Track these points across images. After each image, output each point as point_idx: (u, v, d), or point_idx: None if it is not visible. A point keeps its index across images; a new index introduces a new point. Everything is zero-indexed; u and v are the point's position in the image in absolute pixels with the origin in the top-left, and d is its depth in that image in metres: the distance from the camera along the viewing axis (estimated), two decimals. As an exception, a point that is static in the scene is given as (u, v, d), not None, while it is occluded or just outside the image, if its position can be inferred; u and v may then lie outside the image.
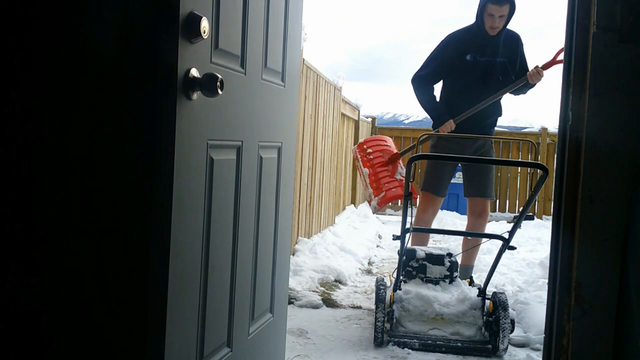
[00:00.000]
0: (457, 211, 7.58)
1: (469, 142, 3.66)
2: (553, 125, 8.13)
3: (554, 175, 1.73)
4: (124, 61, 1.23)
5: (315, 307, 3.24)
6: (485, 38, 3.43)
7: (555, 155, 1.73)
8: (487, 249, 4.57)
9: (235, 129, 1.52)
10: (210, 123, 1.36)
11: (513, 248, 2.63)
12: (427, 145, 3.85)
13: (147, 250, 1.22)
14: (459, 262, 3.31)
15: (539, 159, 7.90)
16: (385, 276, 3.15)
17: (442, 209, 7.66)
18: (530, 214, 2.55)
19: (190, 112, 1.26)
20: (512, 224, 2.55)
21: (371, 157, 3.62)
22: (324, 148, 5.18)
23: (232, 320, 1.57)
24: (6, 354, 1.28)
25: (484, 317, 2.73)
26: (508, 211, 8.27)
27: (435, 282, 2.94)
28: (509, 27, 3.46)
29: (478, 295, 2.83)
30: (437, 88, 3.69)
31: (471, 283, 3.23)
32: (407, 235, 2.67)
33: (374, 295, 3.07)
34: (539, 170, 2.21)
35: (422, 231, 2.82)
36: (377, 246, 5.44)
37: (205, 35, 1.24)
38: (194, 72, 1.24)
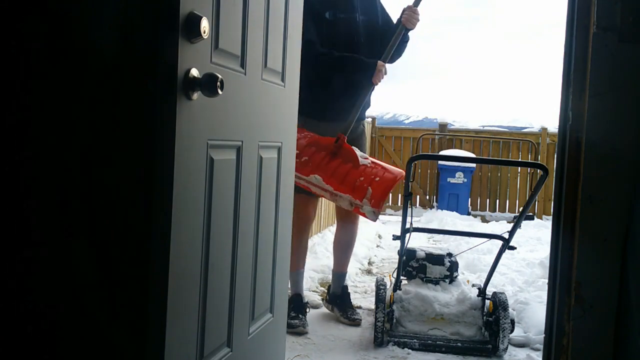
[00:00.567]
0: (457, 211, 7.58)
1: (339, 123, 2.92)
2: (553, 125, 8.13)
3: (554, 175, 1.73)
4: (124, 61, 1.23)
5: (315, 307, 3.24)
6: None
7: (555, 155, 1.73)
8: (487, 249, 4.56)
9: (235, 129, 1.52)
10: (210, 123, 1.36)
11: (513, 248, 2.63)
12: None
13: (147, 250, 1.22)
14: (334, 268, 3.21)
15: (539, 159, 7.90)
16: (385, 276, 3.15)
17: (442, 209, 7.67)
18: (530, 214, 2.54)
19: (190, 112, 1.26)
20: (512, 224, 2.55)
21: (305, 158, 2.78)
22: (324, 148, 5.17)
23: (232, 320, 1.57)
24: (6, 355, 1.28)
25: (484, 317, 2.73)
26: (508, 211, 8.27)
27: (435, 282, 2.94)
28: None
29: (478, 295, 2.83)
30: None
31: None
32: (407, 235, 2.67)
33: (374, 295, 3.07)
34: (539, 170, 2.21)
35: (422, 231, 2.82)
36: (377, 246, 5.44)
37: (205, 35, 1.24)
38: (194, 72, 1.24)
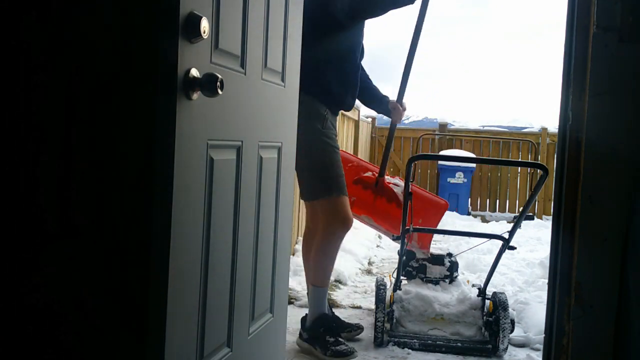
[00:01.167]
0: (457, 211, 7.58)
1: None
2: (553, 125, 8.14)
3: (554, 176, 1.73)
4: (124, 61, 1.23)
5: (315, 307, 3.24)
6: None
7: (555, 155, 1.73)
8: (487, 249, 4.57)
9: (235, 129, 1.52)
10: (210, 123, 1.36)
11: (513, 248, 2.63)
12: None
13: (147, 250, 1.22)
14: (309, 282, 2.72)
15: (539, 159, 7.91)
16: (385, 276, 3.15)
17: (442, 209, 7.67)
18: (530, 214, 2.55)
19: (190, 112, 1.26)
20: (512, 224, 2.55)
21: (353, 198, 2.83)
22: (324, 148, 5.17)
23: (232, 320, 1.57)
24: (6, 355, 1.28)
25: (484, 317, 2.73)
26: (508, 211, 8.27)
27: (435, 282, 2.95)
28: None
29: (478, 295, 2.83)
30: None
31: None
32: (407, 235, 2.67)
33: (374, 295, 3.07)
34: (539, 170, 2.21)
35: (423, 231, 2.82)
36: (377, 246, 5.44)
37: (205, 35, 1.24)
38: (194, 72, 1.24)
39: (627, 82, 1.56)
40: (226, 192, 1.50)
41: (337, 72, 2.59)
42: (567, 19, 1.65)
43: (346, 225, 2.57)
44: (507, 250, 2.64)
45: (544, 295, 3.10)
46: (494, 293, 2.77)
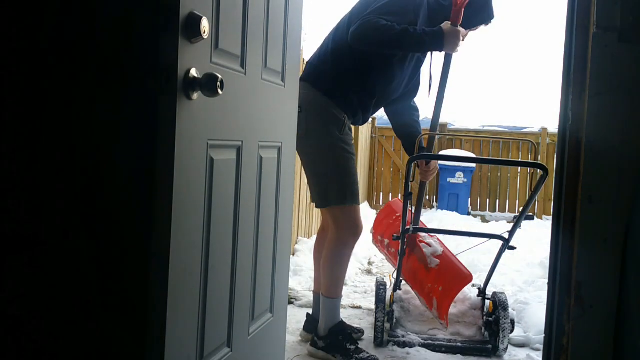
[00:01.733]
0: (457, 211, 7.58)
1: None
2: (553, 125, 8.14)
3: (554, 176, 1.73)
4: (124, 61, 1.23)
5: (316, 307, 3.24)
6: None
7: (555, 155, 1.72)
8: (487, 249, 4.56)
9: (235, 129, 1.52)
10: (210, 123, 1.36)
11: (513, 248, 2.63)
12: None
13: (147, 250, 1.22)
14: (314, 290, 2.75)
15: (539, 159, 7.91)
16: (385, 276, 3.15)
17: (442, 209, 7.68)
18: (530, 214, 2.54)
19: (190, 112, 1.26)
20: (512, 224, 2.55)
21: (392, 249, 2.79)
22: (324, 148, 5.17)
23: (232, 320, 1.57)
24: (6, 355, 1.28)
25: (484, 317, 2.73)
26: (508, 211, 8.28)
27: (435, 282, 2.94)
28: None
29: (478, 295, 2.83)
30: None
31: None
32: (407, 235, 2.67)
33: (374, 295, 3.06)
34: (539, 170, 2.21)
35: (422, 231, 2.82)
36: (377, 246, 5.44)
37: (205, 35, 1.24)
38: (194, 72, 1.24)
39: (627, 82, 1.56)
40: (226, 192, 1.50)
41: (360, 89, 2.51)
42: (567, 19, 1.65)
43: (357, 235, 2.53)
44: (507, 250, 2.64)
45: (544, 295, 3.10)
46: (494, 293, 2.77)
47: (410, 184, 2.44)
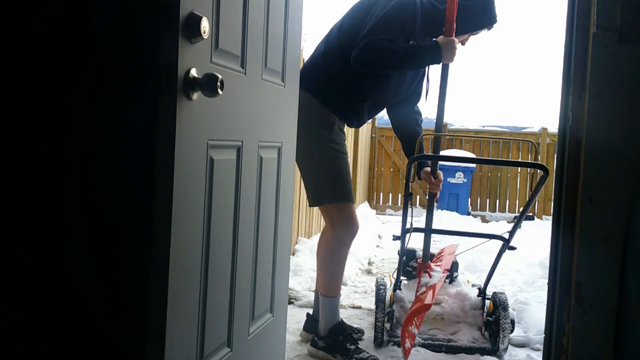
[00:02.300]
0: (457, 211, 7.58)
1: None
2: (553, 125, 8.14)
3: (554, 176, 1.73)
4: (124, 61, 1.23)
5: (316, 307, 3.24)
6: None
7: (555, 155, 1.72)
8: (487, 249, 4.56)
9: (235, 129, 1.52)
10: (210, 123, 1.36)
11: (513, 248, 2.63)
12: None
13: (147, 250, 1.22)
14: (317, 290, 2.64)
15: (539, 159, 7.91)
16: (385, 276, 3.15)
17: (442, 209, 7.68)
18: (531, 214, 2.54)
19: (190, 112, 1.26)
20: (512, 224, 2.55)
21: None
22: (324, 148, 5.17)
23: (232, 320, 1.57)
24: (4, 356, 1.28)
25: (484, 317, 2.73)
26: (508, 211, 8.28)
27: (435, 282, 2.94)
28: None
29: (478, 295, 2.83)
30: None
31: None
32: (407, 235, 2.67)
33: (374, 295, 3.06)
34: (539, 171, 2.21)
35: (423, 231, 2.82)
36: (377, 246, 5.45)
37: (205, 35, 1.24)
38: (194, 72, 1.24)
39: (627, 82, 1.56)
40: (226, 192, 1.50)
41: (351, 92, 2.51)
42: (567, 19, 1.65)
43: (351, 232, 2.53)
44: (507, 251, 2.64)
45: (544, 295, 3.10)
46: (494, 293, 2.77)
47: (410, 184, 2.44)
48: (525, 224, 2.90)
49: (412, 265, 2.97)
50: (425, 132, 2.69)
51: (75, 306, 1.26)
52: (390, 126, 2.95)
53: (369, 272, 4.40)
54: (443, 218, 6.90)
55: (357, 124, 2.68)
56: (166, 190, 1.20)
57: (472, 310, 2.78)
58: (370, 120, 8.42)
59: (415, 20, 2.47)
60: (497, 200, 8.33)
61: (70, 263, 1.26)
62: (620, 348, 1.56)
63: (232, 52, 1.46)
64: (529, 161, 7.80)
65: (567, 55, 1.64)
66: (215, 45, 1.36)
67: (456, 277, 3.00)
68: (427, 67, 2.63)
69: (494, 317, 2.67)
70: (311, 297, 3.35)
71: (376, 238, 5.80)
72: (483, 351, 2.65)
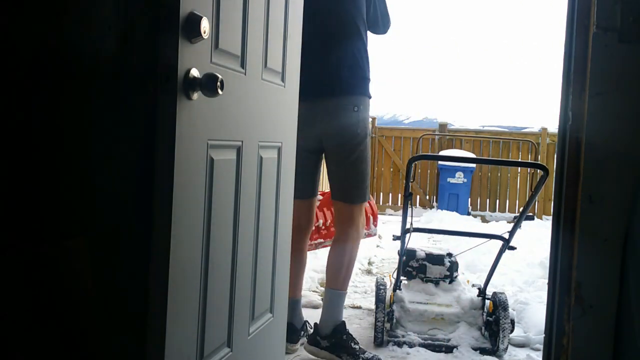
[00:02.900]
0: (457, 211, 7.58)
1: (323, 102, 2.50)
2: (553, 125, 8.13)
3: (554, 175, 1.73)
4: (124, 61, 1.23)
5: (315, 307, 3.24)
6: None
7: (555, 155, 1.73)
8: (487, 249, 4.56)
9: (235, 129, 1.52)
10: (210, 123, 1.36)
11: (513, 248, 2.64)
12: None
13: (147, 250, 1.22)
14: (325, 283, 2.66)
15: (539, 159, 7.90)
16: (385, 276, 3.15)
17: (442, 209, 7.68)
18: (531, 214, 2.55)
19: (190, 112, 1.26)
20: (512, 224, 2.55)
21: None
22: (324, 148, 5.17)
23: (232, 320, 1.57)
24: (5, 356, 1.28)
25: (484, 317, 2.73)
26: (508, 211, 8.27)
27: (436, 282, 2.94)
28: None
29: (478, 295, 2.83)
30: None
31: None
32: (408, 235, 2.67)
33: (374, 295, 3.06)
34: (539, 171, 2.21)
35: (423, 231, 2.82)
36: (377, 246, 5.44)
37: (205, 35, 1.24)
38: (194, 72, 1.24)
39: (627, 82, 1.56)
40: (226, 192, 1.50)
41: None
42: (567, 19, 1.65)
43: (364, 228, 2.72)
44: (507, 250, 2.64)
45: (544, 295, 3.10)
46: (494, 293, 2.77)
47: (410, 184, 2.44)
48: (525, 224, 2.90)
49: (412, 265, 2.97)
50: (425, 131, 2.69)
51: (75, 306, 1.26)
52: (390, 126, 2.98)
53: (369, 272, 4.40)
54: (443, 218, 6.90)
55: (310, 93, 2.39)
56: (166, 190, 1.20)
57: (472, 310, 2.79)
58: (370, 120, 8.45)
59: None
60: (497, 200, 8.32)
61: (70, 263, 1.26)
62: (620, 348, 1.56)
63: (232, 52, 1.46)
64: (529, 161, 7.80)
65: (567, 55, 1.64)
66: (215, 45, 1.36)
67: (456, 277, 3.00)
68: None
69: (494, 317, 2.67)
70: (311, 297, 3.35)
71: (376, 238, 5.80)
72: (483, 351, 2.65)
